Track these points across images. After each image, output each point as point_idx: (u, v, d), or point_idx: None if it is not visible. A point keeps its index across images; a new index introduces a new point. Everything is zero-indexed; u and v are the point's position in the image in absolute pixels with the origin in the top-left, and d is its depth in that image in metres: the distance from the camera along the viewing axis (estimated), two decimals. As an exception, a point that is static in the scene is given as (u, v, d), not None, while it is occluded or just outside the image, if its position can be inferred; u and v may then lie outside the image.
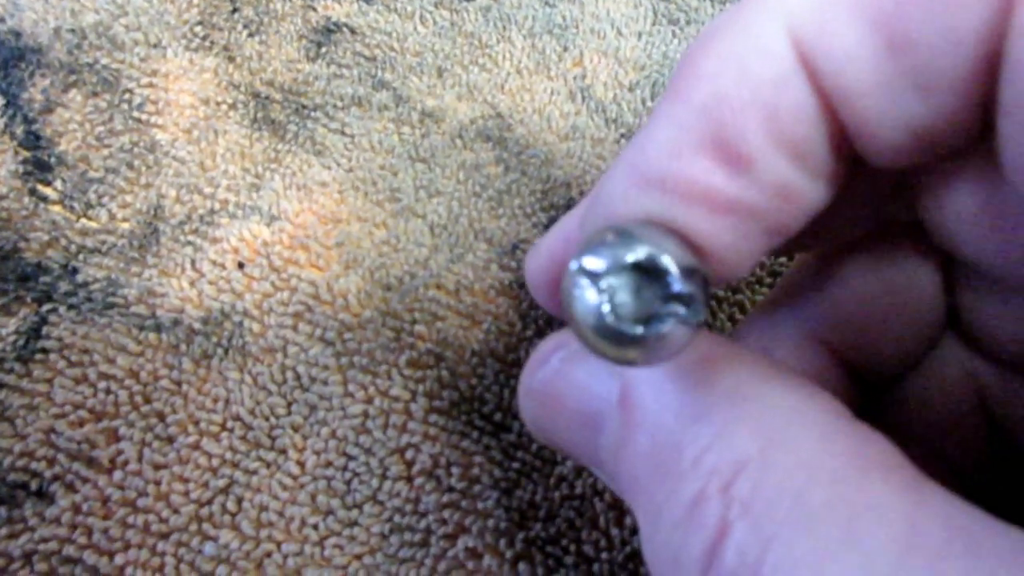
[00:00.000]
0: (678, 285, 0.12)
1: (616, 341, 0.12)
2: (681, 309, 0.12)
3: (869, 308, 0.18)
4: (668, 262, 0.12)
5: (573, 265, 0.13)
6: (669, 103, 0.14)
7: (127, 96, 0.25)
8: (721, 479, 0.12)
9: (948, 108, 0.12)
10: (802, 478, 0.12)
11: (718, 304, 0.24)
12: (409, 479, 0.21)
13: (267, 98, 0.26)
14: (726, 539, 0.12)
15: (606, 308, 0.12)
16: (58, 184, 0.23)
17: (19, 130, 0.23)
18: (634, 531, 0.21)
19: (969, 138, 0.13)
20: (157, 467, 0.20)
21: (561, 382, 0.16)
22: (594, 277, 0.13)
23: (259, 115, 0.26)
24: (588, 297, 0.13)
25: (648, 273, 0.13)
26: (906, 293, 0.18)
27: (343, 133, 0.25)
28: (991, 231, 0.15)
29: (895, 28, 0.12)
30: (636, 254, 0.12)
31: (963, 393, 0.19)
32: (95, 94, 0.24)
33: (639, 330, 0.12)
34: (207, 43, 0.26)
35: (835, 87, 0.13)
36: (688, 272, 0.13)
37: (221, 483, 0.20)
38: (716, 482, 0.12)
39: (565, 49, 0.29)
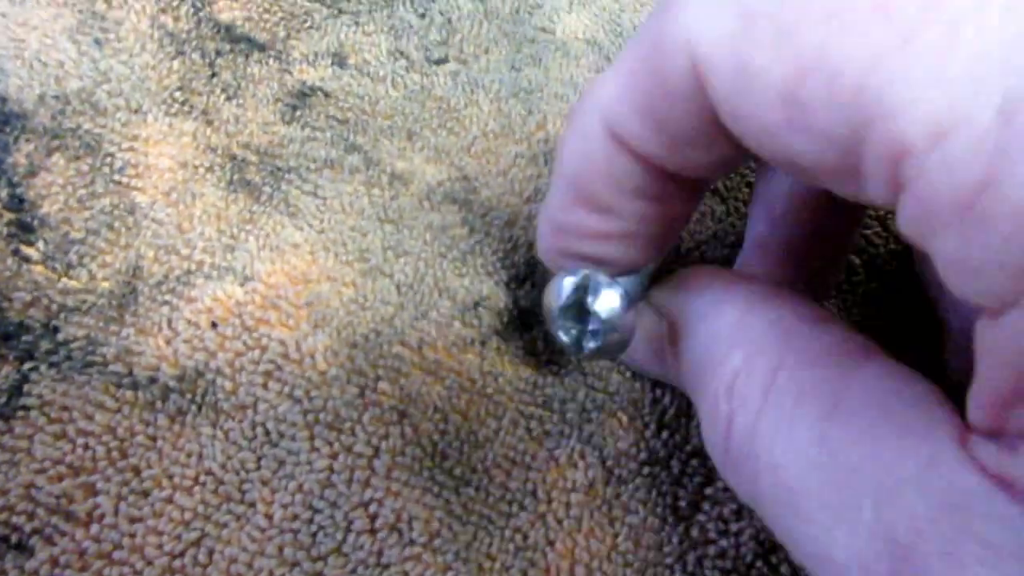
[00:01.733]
0: (592, 324, 0.21)
1: (583, 357, 0.22)
2: (596, 334, 0.21)
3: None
4: (591, 302, 0.21)
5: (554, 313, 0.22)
6: (554, 175, 0.21)
7: (108, 160, 0.26)
8: (725, 384, 0.19)
9: (693, 156, 0.18)
10: (769, 376, 0.18)
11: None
12: (373, 532, 0.22)
13: (243, 160, 0.27)
14: (733, 425, 0.18)
15: (567, 340, 0.22)
16: (40, 245, 0.24)
17: (3, 193, 0.25)
18: (583, 582, 0.22)
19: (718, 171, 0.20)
20: (132, 520, 0.21)
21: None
22: (559, 322, 0.22)
23: (235, 177, 0.27)
24: (562, 337, 0.22)
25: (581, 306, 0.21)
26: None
27: (316, 195, 0.27)
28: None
29: (655, 115, 0.18)
30: (564, 302, 0.21)
31: None
32: (77, 158, 0.26)
33: (590, 347, 0.21)
34: (186, 107, 0.28)
35: (637, 150, 0.19)
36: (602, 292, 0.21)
37: (193, 536, 0.21)
38: (722, 390, 0.19)
39: (530, 113, 0.30)
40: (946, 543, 0.14)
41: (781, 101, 0.15)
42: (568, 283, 0.21)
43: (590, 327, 0.21)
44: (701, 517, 0.23)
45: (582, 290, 0.21)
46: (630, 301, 0.21)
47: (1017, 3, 0.13)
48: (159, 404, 0.23)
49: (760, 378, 0.18)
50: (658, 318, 0.22)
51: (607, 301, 0.20)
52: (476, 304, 0.26)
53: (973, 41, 0.13)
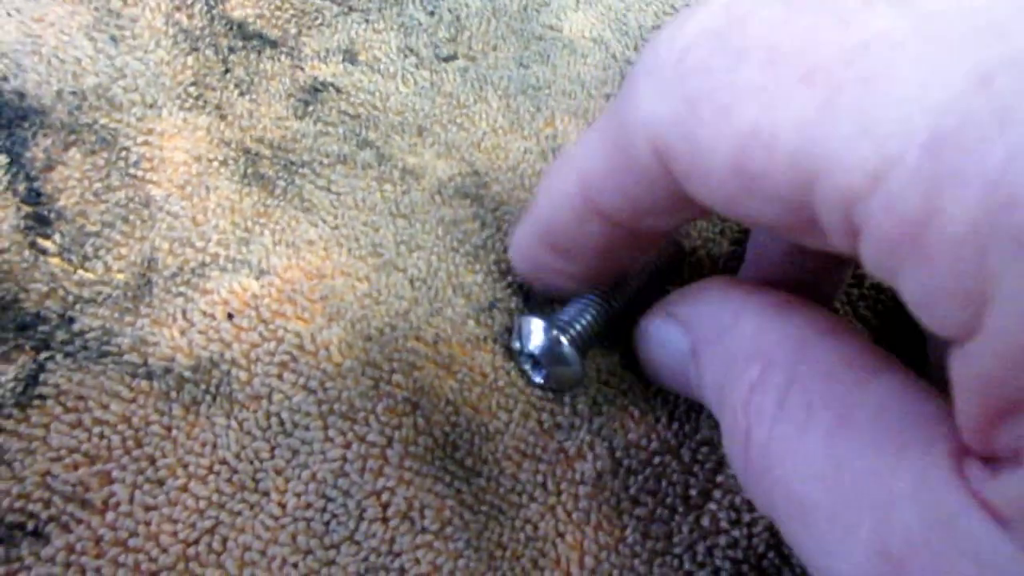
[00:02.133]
0: (535, 359, 0.25)
1: (544, 388, 0.25)
2: (538, 368, 0.25)
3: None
4: (525, 344, 0.25)
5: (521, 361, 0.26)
6: (530, 211, 0.23)
7: (124, 154, 0.26)
8: (743, 398, 0.19)
9: (661, 220, 0.20)
10: (784, 388, 0.18)
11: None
12: (385, 521, 0.22)
13: (257, 154, 0.28)
14: (750, 438, 0.19)
15: (528, 374, 0.25)
16: (57, 238, 0.25)
17: (21, 187, 0.25)
18: (592, 572, 0.22)
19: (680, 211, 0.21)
20: (147, 508, 0.22)
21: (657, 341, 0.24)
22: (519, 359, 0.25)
23: (249, 171, 0.27)
24: (525, 371, 0.25)
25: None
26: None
27: (329, 191, 0.27)
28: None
29: (626, 188, 0.19)
30: (513, 342, 0.25)
31: None
32: (93, 152, 0.26)
33: (536, 380, 0.25)
34: (200, 102, 0.28)
35: (602, 211, 0.20)
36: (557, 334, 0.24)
37: (207, 524, 0.22)
38: (740, 403, 0.19)
39: (538, 109, 0.31)
40: (936, 559, 0.15)
41: (731, 173, 0.16)
42: (514, 328, 0.25)
43: (536, 362, 0.25)
44: (712, 506, 0.23)
45: (517, 333, 0.25)
46: (571, 340, 0.24)
47: (926, 51, 0.14)
48: (174, 394, 0.23)
49: (775, 391, 0.18)
50: (683, 334, 0.23)
51: (541, 341, 0.24)
52: (491, 305, 0.26)
53: (891, 89, 0.14)
